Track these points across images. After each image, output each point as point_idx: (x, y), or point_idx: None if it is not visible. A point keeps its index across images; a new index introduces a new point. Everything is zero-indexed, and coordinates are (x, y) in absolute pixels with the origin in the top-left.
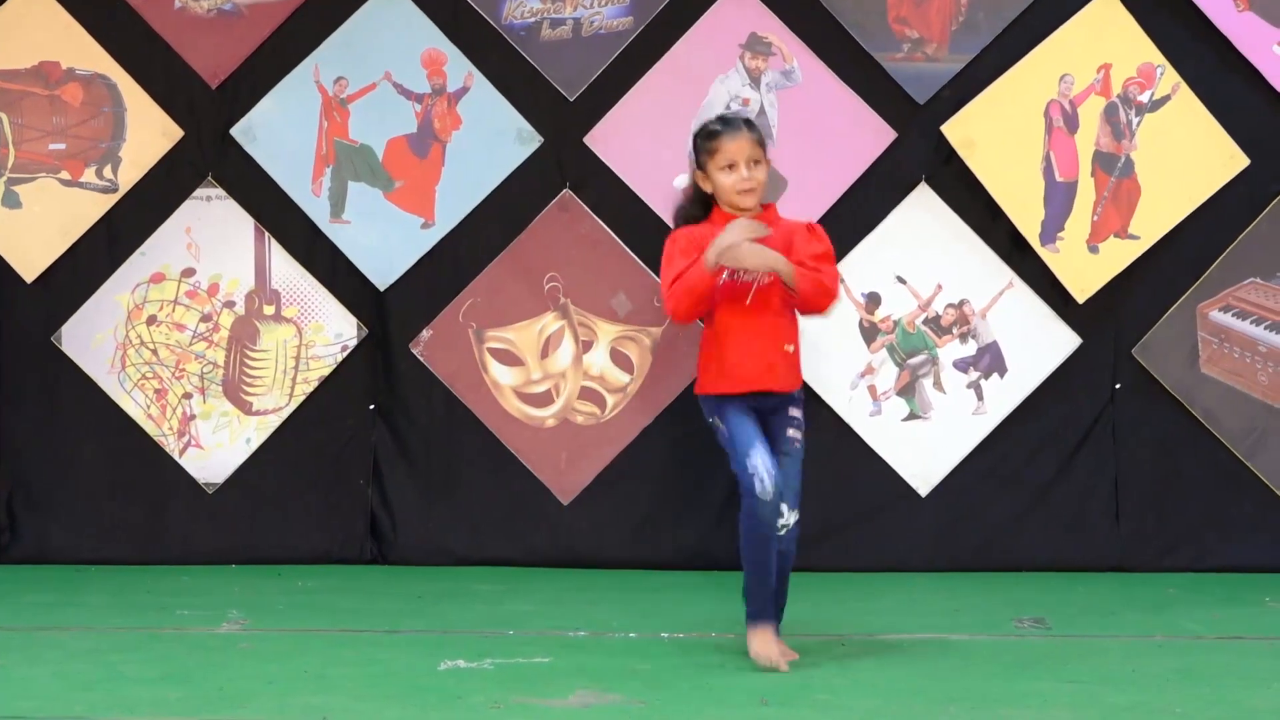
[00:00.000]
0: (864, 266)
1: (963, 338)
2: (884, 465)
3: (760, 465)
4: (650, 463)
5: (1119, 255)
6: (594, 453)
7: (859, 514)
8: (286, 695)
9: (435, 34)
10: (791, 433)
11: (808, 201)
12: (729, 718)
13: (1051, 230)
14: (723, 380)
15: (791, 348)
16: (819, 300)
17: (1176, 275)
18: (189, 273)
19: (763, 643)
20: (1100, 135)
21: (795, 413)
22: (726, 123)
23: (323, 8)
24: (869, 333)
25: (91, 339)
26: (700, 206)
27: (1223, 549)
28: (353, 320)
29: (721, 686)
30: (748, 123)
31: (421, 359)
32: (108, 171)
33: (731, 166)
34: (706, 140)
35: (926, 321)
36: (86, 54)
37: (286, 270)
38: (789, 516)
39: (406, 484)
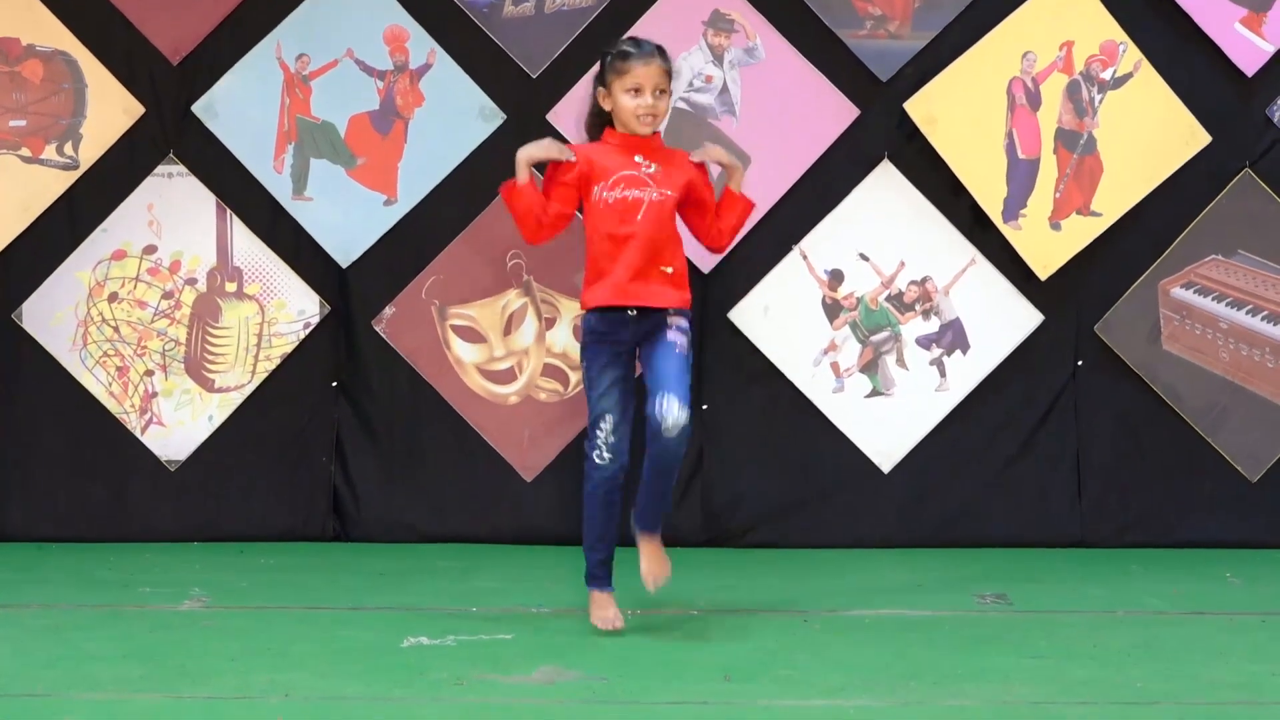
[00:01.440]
0: (827, 243)
1: (925, 315)
2: (847, 442)
3: (603, 434)
4: None
5: (1081, 232)
6: (557, 430)
7: (822, 491)
8: (249, 673)
9: (398, 10)
10: (671, 336)
11: (771, 178)
12: (692, 693)
13: (1014, 207)
14: (600, 292)
15: (671, 269)
16: (738, 226)
17: (1138, 252)
18: (150, 250)
19: (600, 606)
20: (1063, 112)
21: (677, 324)
22: (640, 46)
23: None
24: (832, 310)
25: (52, 316)
26: (594, 127)
27: (1183, 525)
28: (315, 297)
29: (684, 662)
30: (661, 51)
31: (384, 336)
32: (69, 148)
33: (637, 90)
34: (617, 59)
35: (889, 298)
36: (47, 30)
37: (248, 247)
38: (674, 411)
39: (369, 461)
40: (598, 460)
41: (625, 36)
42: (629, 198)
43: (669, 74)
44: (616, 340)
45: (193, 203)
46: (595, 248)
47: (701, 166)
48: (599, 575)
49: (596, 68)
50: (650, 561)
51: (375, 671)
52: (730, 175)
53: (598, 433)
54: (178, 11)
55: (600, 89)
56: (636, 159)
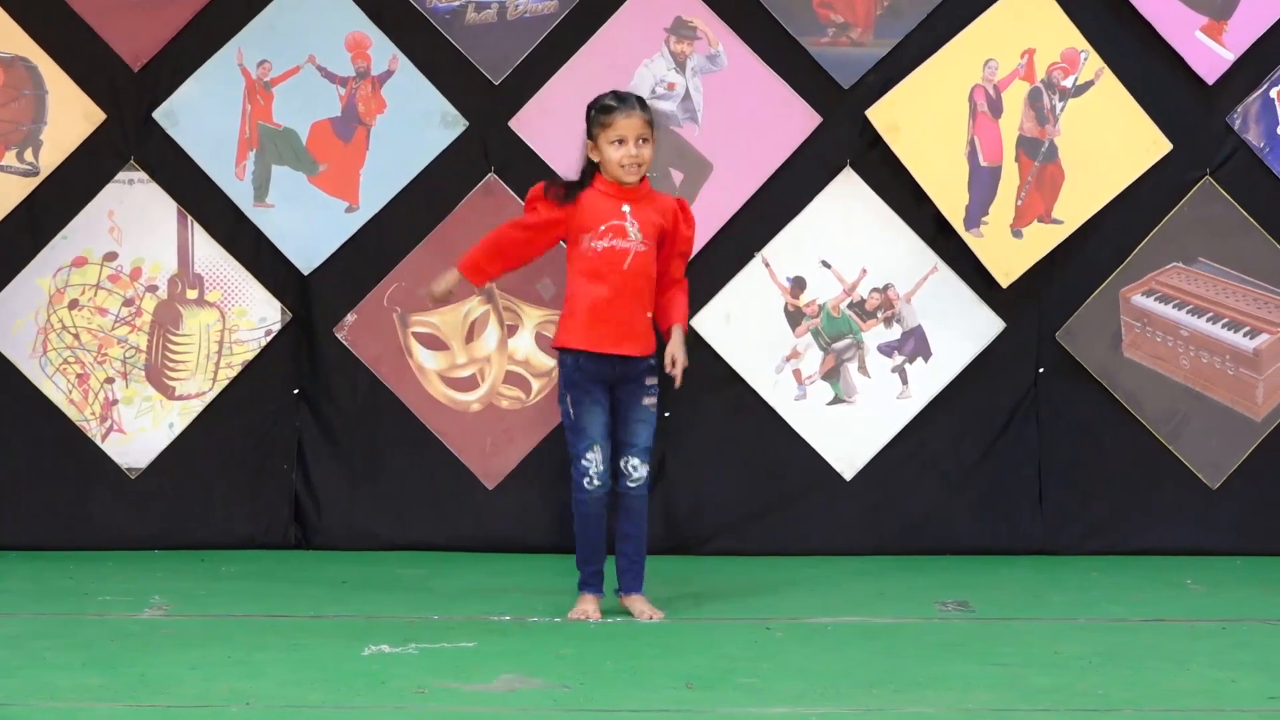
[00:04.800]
0: (789, 251)
1: (887, 322)
2: (809, 449)
3: (594, 462)
4: None
5: (1042, 240)
6: (519, 437)
7: (784, 498)
8: (209, 681)
9: (359, 17)
10: (647, 401)
11: (733, 185)
12: (653, 701)
13: (976, 215)
14: (584, 336)
15: (651, 314)
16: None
17: (1099, 260)
18: (111, 256)
19: (584, 602)
20: (1024, 120)
21: (650, 381)
22: (621, 100)
23: None
24: (794, 317)
25: (12, 323)
26: (585, 173)
27: (1144, 532)
28: (276, 304)
29: (646, 670)
30: (641, 102)
31: (346, 343)
32: (29, 154)
33: (621, 141)
34: (600, 114)
35: (851, 306)
36: (7, 36)
37: (210, 254)
38: (641, 470)
39: (331, 469)
40: (588, 486)
41: (609, 91)
42: (616, 247)
43: (650, 124)
44: (598, 379)
45: (154, 209)
46: (579, 289)
47: (684, 210)
48: (592, 583)
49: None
50: (637, 604)
51: (337, 680)
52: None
53: (585, 463)
54: (139, 18)
55: (589, 142)
56: (624, 208)
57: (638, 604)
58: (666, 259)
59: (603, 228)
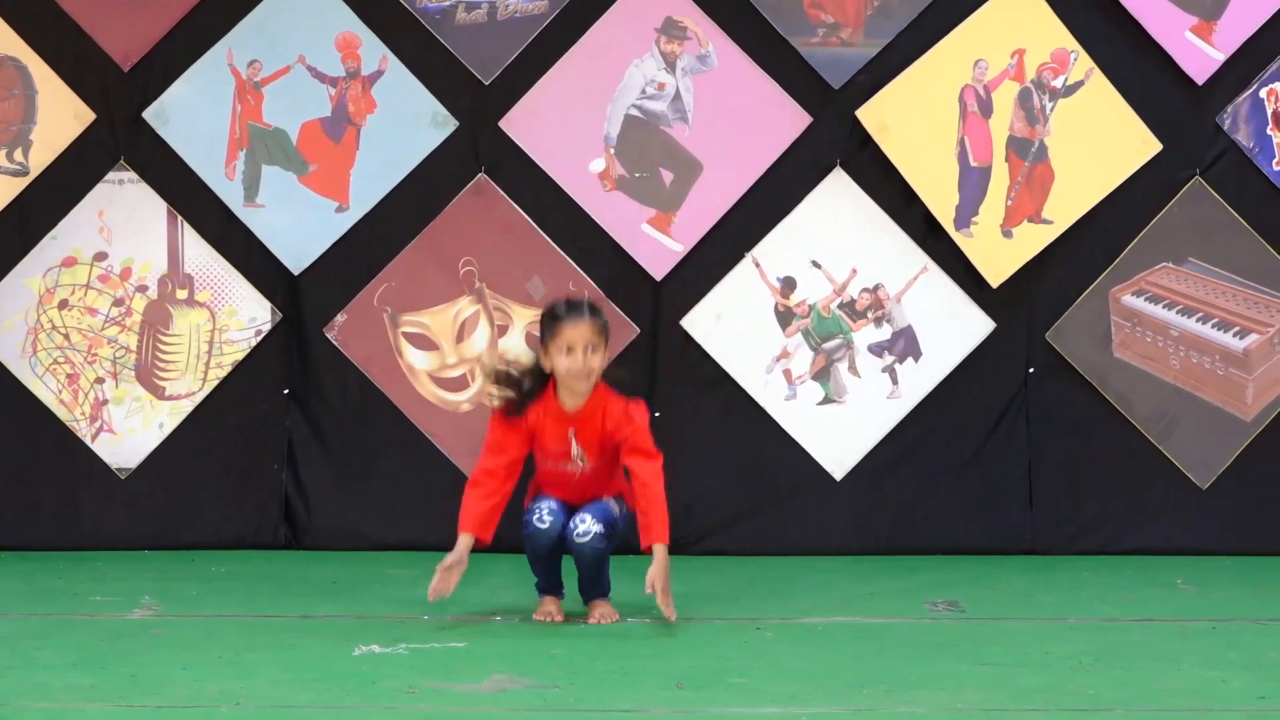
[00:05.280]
0: (779, 251)
1: (877, 322)
2: (799, 449)
3: (544, 505)
4: None
5: (1033, 240)
6: None
7: (774, 498)
8: (200, 681)
9: (349, 17)
10: (603, 497)
11: (723, 185)
12: (644, 701)
13: (966, 215)
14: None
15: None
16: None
17: (1090, 260)
18: (101, 256)
19: (544, 604)
20: (1014, 120)
21: (605, 497)
22: (571, 308)
23: None
24: (784, 317)
25: (2, 323)
26: (539, 380)
27: (1135, 532)
28: (267, 304)
29: (637, 670)
30: (593, 310)
31: (336, 343)
32: (18, 154)
33: (570, 350)
34: (550, 322)
35: (841, 306)
36: None
37: (200, 254)
38: (590, 525)
39: (321, 469)
40: (538, 524)
41: (560, 299)
42: (562, 470)
43: (601, 330)
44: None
45: (144, 209)
46: (540, 478)
47: (629, 414)
48: (547, 590)
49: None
50: (599, 610)
51: (327, 680)
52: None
53: (536, 505)
54: (129, 17)
55: (542, 350)
56: (569, 433)
57: (597, 609)
58: (628, 455)
59: (550, 452)
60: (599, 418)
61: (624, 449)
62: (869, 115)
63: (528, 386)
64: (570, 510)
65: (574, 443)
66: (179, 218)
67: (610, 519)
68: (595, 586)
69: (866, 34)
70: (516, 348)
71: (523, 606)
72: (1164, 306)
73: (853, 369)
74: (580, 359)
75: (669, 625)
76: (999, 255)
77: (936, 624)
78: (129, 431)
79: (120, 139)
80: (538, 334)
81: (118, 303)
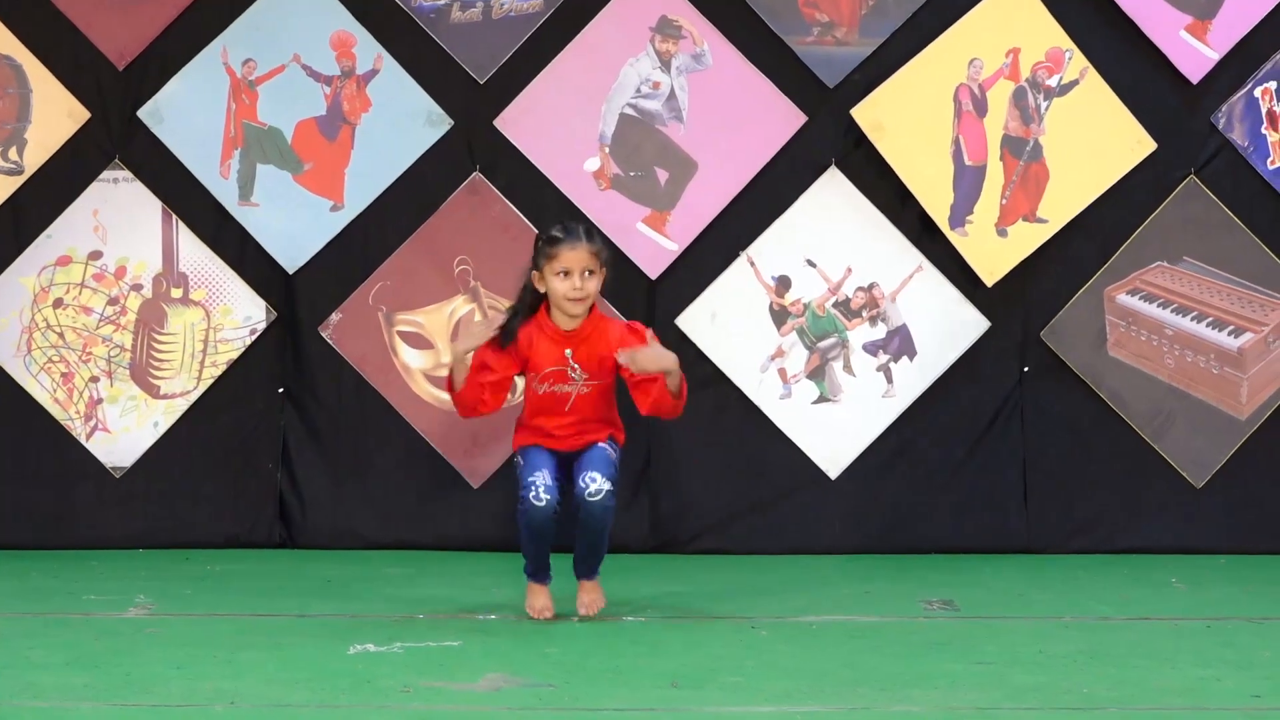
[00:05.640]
0: (774, 250)
1: (872, 321)
2: (794, 448)
3: (539, 481)
4: None
5: (1027, 239)
6: (504, 436)
7: (769, 497)
8: (194, 680)
9: (344, 16)
10: (599, 444)
11: (718, 184)
12: (639, 700)
13: (960, 214)
14: (533, 441)
15: (602, 440)
16: (679, 406)
17: (1084, 259)
18: (96, 255)
19: (535, 596)
20: (1009, 119)
21: (600, 443)
22: (568, 231)
23: None
24: (779, 316)
25: None
26: (531, 303)
27: (1129, 531)
28: (261, 303)
29: (631, 669)
30: (589, 233)
31: (331, 342)
32: (13, 153)
33: (566, 274)
34: (546, 245)
35: (836, 304)
36: None
37: (194, 253)
38: (601, 483)
39: (316, 467)
40: (534, 500)
41: (556, 224)
42: (557, 392)
43: (597, 255)
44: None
45: (138, 208)
46: (530, 416)
47: (635, 333)
48: (536, 574)
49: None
50: (585, 594)
51: (322, 679)
52: (666, 377)
53: (531, 481)
54: (123, 16)
55: (534, 272)
56: (566, 353)
57: (586, 594)
58: (639, 375)
59: (543, 372)
60: (597, 337)
61: (633, 373)
62: (864, 114)
63: (519, 309)
64: (562, 478)
65: (571, 360)
66: (174, 216)
67: (614, 474)
68: (593, 555)
69: (861, 33)
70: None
71: (517, 605)
72: (1159, 305)
73: (848, 368)
74: (577, 282)
75: (663, 624)
76: (994, 254)
77: (931, 623)
78: (124, 430)
79: (115, 138)
80: (532, 256)
81: (112, 301)
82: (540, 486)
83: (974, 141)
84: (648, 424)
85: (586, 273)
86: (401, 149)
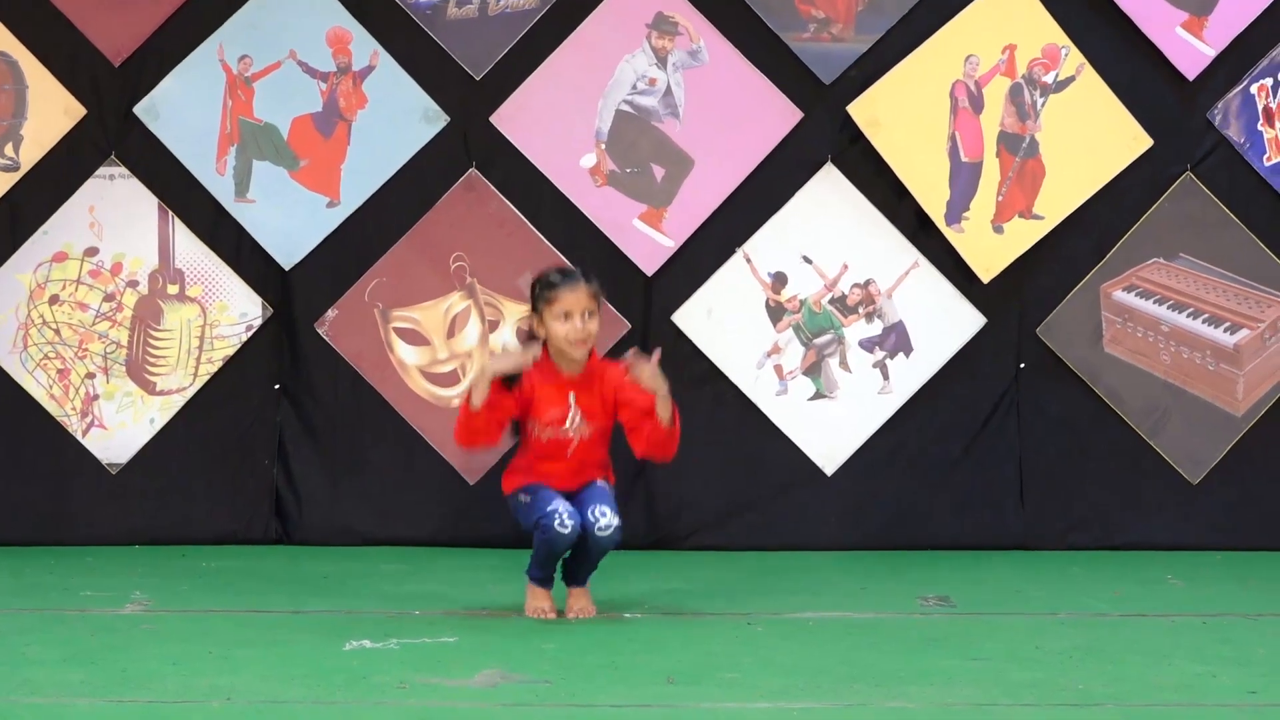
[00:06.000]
0: (770, 246)
1: (868, 317)
2: (790, 445)
3: (560, 507)
4: None
5: (1023, 235)
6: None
7: (765, 493)
8: (190, 676)
9: (340, 12)
10: (598, 481)
11: (714, 181)
12: (635, 696)
13: (957, 210)
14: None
15: (599, 479)
16: (673, 443)
17: (1080, 255)
18: (92, 252)
19: (537, 598)
20: (1005, 116)
21: (599, 481)
22: (566, 275)
23: None
24: (775, 312)
25: None
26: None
27: (1125, 527)
28: (257, 300)
29: (628, 666)
30: (586, 275)
31: (327, 339)
32: (9, 150)
33: (567, 315)
34: (545, 290)
35: (833, 301)
36: None
37: (190, 249)
38: (611, 519)
39: (312, 464)
40: (559, 527)
41: (552, 270)
42: (559, 437)
43: (596, 296)
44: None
45: (134, 205)
46: (529, 454)
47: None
48: (543, 581)
49: (530, 295)
50: (578, 600)
51: (317, 675)
52: (656, 401)
53: (554, 509)
54: (119, 12)
55: (533, 316)
56: (569, 396)
57: (576, 602)
58: (636, 414)
59: (547, 418)
60: (598, 381)
61: (633, 408)
62: (860, 111)
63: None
64: (572, 502)
65: (574, 406)
66: (170, 213)
67: (617, 508)
68: (586, 570)
69: (857, 29)
70: (510, 342)
71: (513, 602)
72: (1155, 302)
73: (844, 364)
74: (579, 324)
75: (660, 621)
76: (990, 251)
77: (927, 619)
78: (120, 426)
79: (111, 134)
80: (530, 302)
81: (109, 298)
82: (565, 513)
83: (970, 138)
84: None
85: (587, 314)
86: (398, 145)
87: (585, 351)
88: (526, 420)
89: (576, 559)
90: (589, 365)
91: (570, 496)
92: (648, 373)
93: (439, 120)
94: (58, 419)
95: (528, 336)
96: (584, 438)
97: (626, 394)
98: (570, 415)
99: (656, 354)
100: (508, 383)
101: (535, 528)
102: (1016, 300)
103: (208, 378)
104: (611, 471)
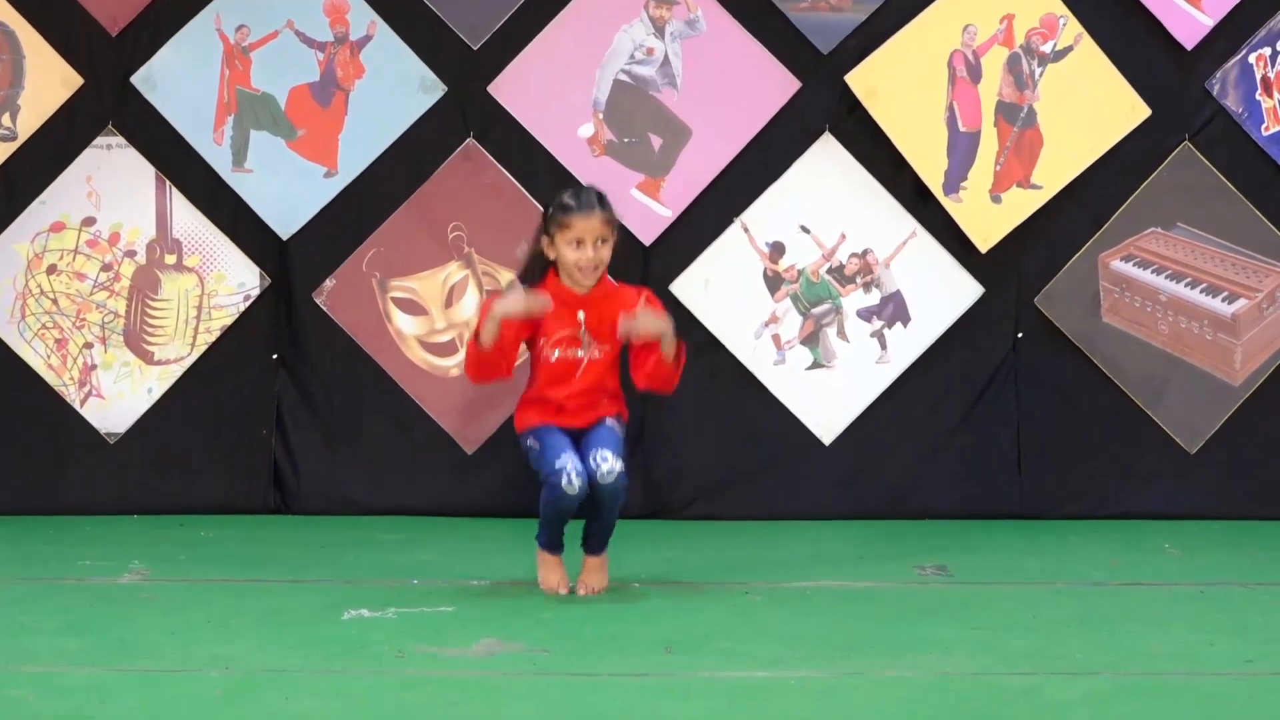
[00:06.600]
0: (768, 216)
1: (866, 287)
2: (788, 414)
3: (569, 464)
4: None
5: (1021, 205)
6: (498, 402)
7: (763, 463)
8: (189, 645)
9: None
10: (607, 420)
11: (712, 151)
12: (633, 665)
13: (954, 180)
14: (539, 419)
15: (610, 411)
16: (676, 375)
17: (1078, 225)
18: (89, 222)
19: (548, 569)
20: (1003, 85)
21: (608, 420)
22: (580, 199)
23: None
24: (773, 282)
25: None
26: (539, 269)
27: (1123, 496)
28: (255, 270)
29: (625, 635)
30: (601, 201)
31: (325, 308)
32: (6, 119)
33: (579, 243)
34: (559, 213)
35: (830, 271)
36: None
37: (188, 219)
38: (614, 464)
39: (310, 434)
40: (565, 487)
41: (567, 190)
42: (569, 357)
43: (610, 222)
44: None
45: (132, 175)
46: (538, 389)
47: (648, 298)
48: (551, 546)
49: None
50: (590, 574)
51: (316, 644)
52: (661, 340)
53: (559, 466)
54: None
55: (544, 238)
56: (579, 316)
57: (590, 575)
58: (639, 344)
59: (556, 336)
60: (609, 302)
61: (635, 342)
62: (858, 80)
63: (529, 276)
64: (578, 448)
65: (583, 325)
66: (167, 183)
67: (623, 452)
68: (604, 532)
69: None
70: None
71: (512, 572)
72: (1153, 271)
73: (841, 334)
74: (590, 252)
75: (657, 590)
76: (988, 220)
77: (924, 588)
78: (117, 396)
79: (108, 104)
80: (541, 222)
81: (106, 268)
82: (573, 472)
83: (968, 108)
84: (642, 393)
85: (600, 241)
86: (395, 115)
87: (595, 279)
88: (535, 341)
89: (590, 517)
90: (600, 286)
91: (577, 438)
92: (644, 320)
93: (436, 90)
94: (55, 389)
95: (531, 258)
96: (593, 359)
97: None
98: (579, 334)
99: (643, 298)
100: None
101: (543, 484)
102: (1014, 270)
103: (205, 348)
104: (624, 404)
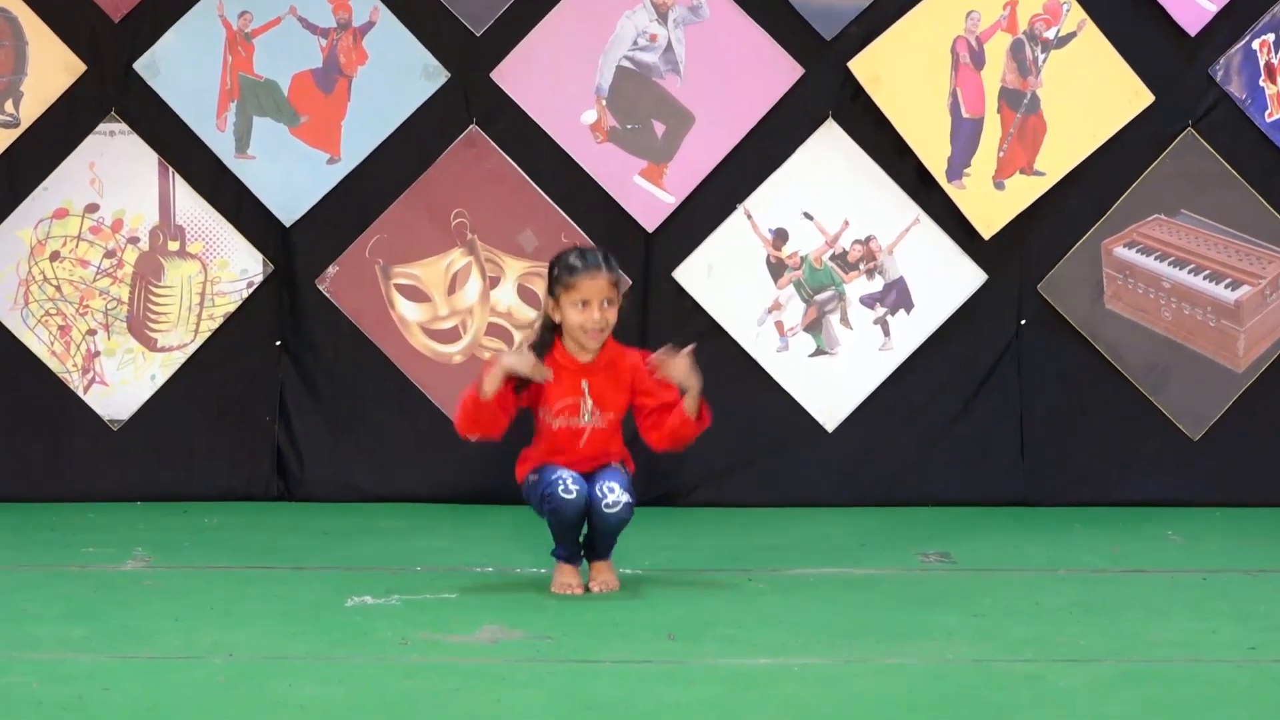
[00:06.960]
0: (771, 203)
1: (869, 274)
2: (791, 401)
3: (565, 475)
4: None
5: (1024, 191)
6: None
7: (765, 449)
8: (192, 632)
9: None
10: (613, 463)
11: (715, 137)
12: (635, 652)
13: (958, 166)
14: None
15: (615, 461)
16: (694, 437)
17: (1082, 212)
18: (93, 208)
19: (564, 574)
20: (1006, 72)
21: (614, 463)
22: (585, 259)
23: None
24: (776, 269)
25: None
26: (546, 334)
27: (1125, 483)
28: (258, 256)
29: (628, 622)
30: (608, 261)
31: (328, 295)
32: (9, 106)
33: (585, 304)
34: (564, 274)
35: (833, 258)
36: None
37: (191, 206)
38: (620, 495)
39: (313, 421)
40: (563, 493)
41: (571, 248)
42: (572, 426)
43: (617, 284)
44: None
45: (135, 161)
46: (542, 444)
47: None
48: (569, 558)
49: (546, 278)
50: (601, 574)
51: (319, 631)
52: (686, 397)
53: (558, 477)
54: None
55: (549, 299)
56: (582, 384)
57: (600, 575)
58: (654, 405)
59: (558, 405)
60: (612, 368)
61: (649, 399)
62: (861, 67)
63: (537, 343)
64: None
65: (586, 394)
66: (170, 169)
67: (631, 488)
68: (605, 547)
69: None
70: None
71: (515, 559)
72: (1156, 258)
73: (844, 321)
74: (596, 314)
75: (660, 577)
76: (991, 207)
77: (927, 575)
78: (121, 383)
79: (111, 90)
80: (545, 283)
81: (109, 254)
82: (568, 479)
83: (971, 94)
84: None
85: (606, 302)
86: (398, 102)
87: (600, 342)
88: (538, 408)
89: (591, 534)
90: (605, 351)
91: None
92: (681, 368)
93: (439, 76)
94: (59, 375)
95: (544, 324)
96: (597, 427)
97: (647, 384)
98: (583, 404)
99: (690, 350)
100: (517, 387)
101: (543, 501)
102: (1017, 256)
103: (209, 334)
104: (629, 458)
